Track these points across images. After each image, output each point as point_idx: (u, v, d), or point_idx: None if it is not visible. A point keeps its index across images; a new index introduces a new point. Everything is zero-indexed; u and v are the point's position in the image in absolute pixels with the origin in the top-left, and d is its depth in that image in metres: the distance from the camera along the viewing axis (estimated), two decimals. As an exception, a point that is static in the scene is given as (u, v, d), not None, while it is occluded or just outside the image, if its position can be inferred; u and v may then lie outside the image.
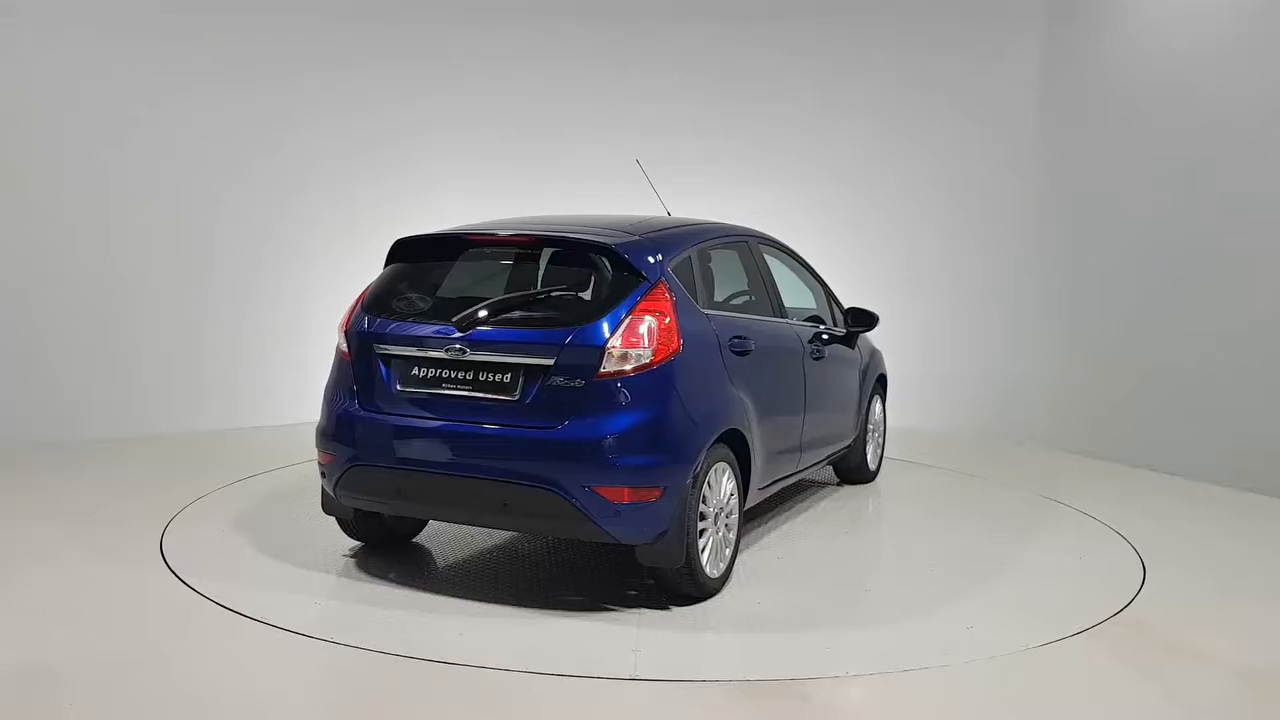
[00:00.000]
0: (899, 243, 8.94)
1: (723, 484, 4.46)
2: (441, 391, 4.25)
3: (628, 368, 4.07)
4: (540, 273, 4.52)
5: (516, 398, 4.12)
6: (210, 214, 7.89)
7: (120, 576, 4.56)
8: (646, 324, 4.13)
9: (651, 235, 4.56)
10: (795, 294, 6.00)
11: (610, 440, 4.02)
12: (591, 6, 8.71)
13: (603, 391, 4.04)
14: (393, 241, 4.72)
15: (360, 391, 4.42)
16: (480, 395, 4.19)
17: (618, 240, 4.37)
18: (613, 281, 4.25)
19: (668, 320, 4.18)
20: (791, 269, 5.96)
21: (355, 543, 5.04)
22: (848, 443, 6.29)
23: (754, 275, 5.34)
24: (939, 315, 8.80)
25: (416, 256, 4.71)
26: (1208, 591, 4.86)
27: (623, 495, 4.02)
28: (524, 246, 4.57)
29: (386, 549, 5.01)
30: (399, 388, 4.34)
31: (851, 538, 5.52)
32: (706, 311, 4.56)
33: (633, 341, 4.09)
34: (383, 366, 4.38)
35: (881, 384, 6.79)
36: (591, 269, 4.34)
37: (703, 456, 4.23)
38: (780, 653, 3.94)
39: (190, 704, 3.42)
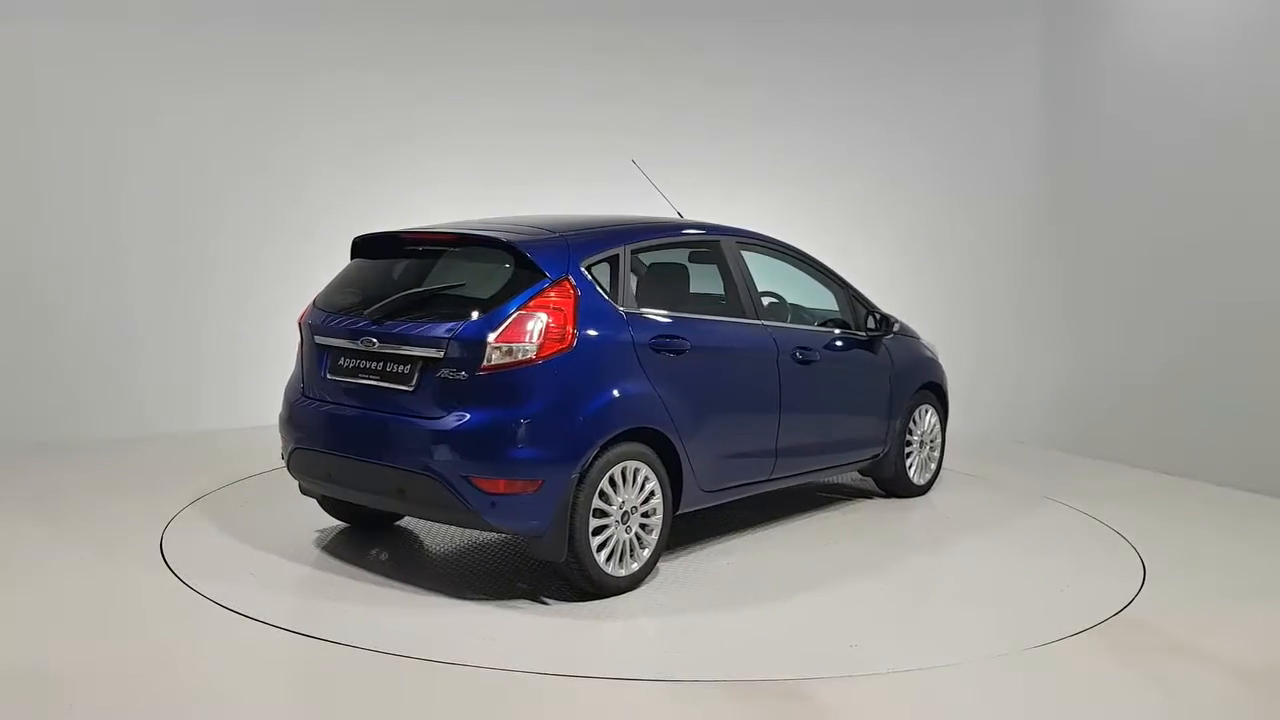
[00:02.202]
0: (898, 242, 8.93)
1: (637, 483, 4.46)
2: (358, 381, 4.49)
3: (510, 362, 4.16)
4: (459, 270, 4.67)
5: (411, 388, 4.30)
6: (210, 214, 7.88)
7: (120, 576, 4.56)
8: (534, 320, 4.21)
9: (573, 235, 4.61)
10: (808, 296, 5.91)
11: (487, 432, 4.14)
12: (591, 8, 8.70)
13: (485, 385, 4.15)
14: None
15: (305, 380, 4.77)
16: (384, 385, 4.39)
17: (523, 239, 4.47)
18: (513, 278, 4.36)
19: (560, 317, 4.25)
20: (805, 272, 5.82)
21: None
22: (874, 452, 6.02)
23: (727, 275, 5.24)
24: (939, 314, 8.78)
25: (365, 253, 4.96)
26: (1208, 591, 4.86)
27: (499, 487, 4.12)
28: (447, 244, 4.74)
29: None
30: (329, 376, 4.61)
31: (833, 547, 5.32)
32: (627, 310, 4.55)
33: (516, 337, 4.17)
34: (321, 356, 4.66)
35: (935, 393, 6.45)
36: (499, 265, 4.47)
37: (592, 453, 4.24)
38: (611, 649, 3.96)
39: (191, 704, 3.42)
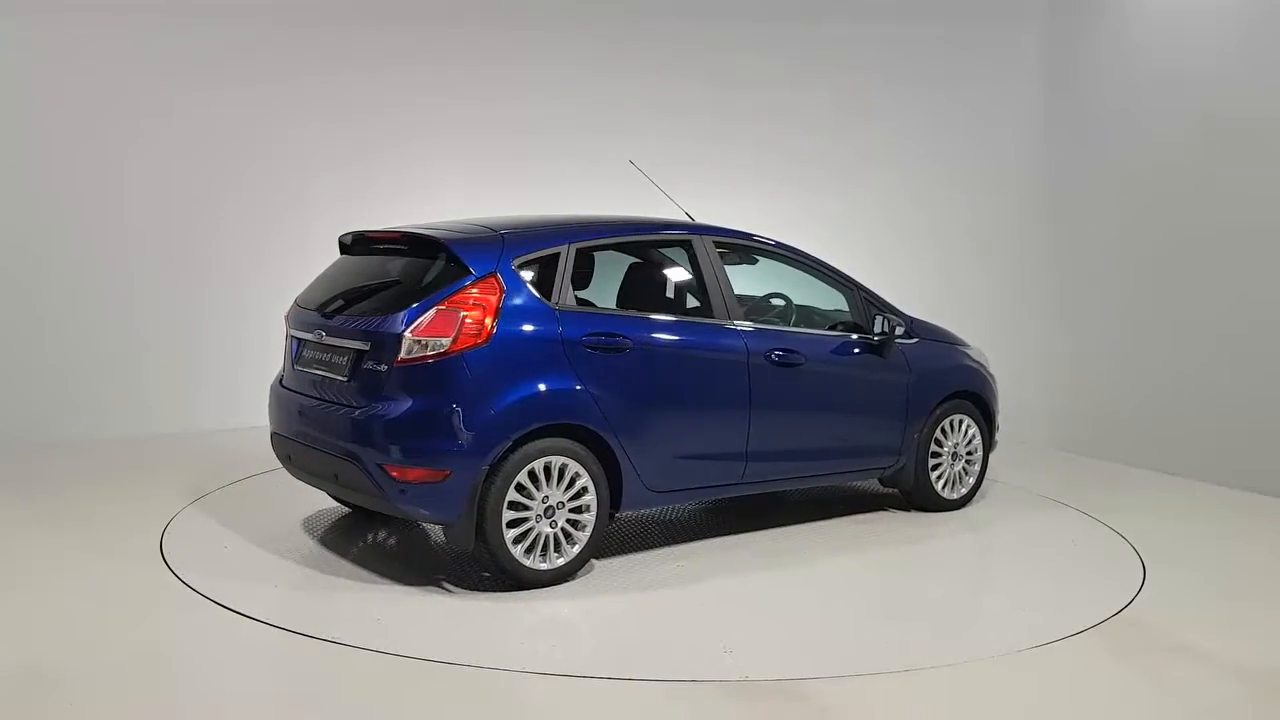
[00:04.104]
0: (898, 243, 8.92)
1: (565, 479, 4.49)
2: (312, 371, 4.78)
3: (425, 355, 4.32)
4: (404, 267, 4.83)
5: (346, 378, 4.55)
6: (210, 214, 7.88)
7: (120, 576, 4.56)
8: (450, 316, 4.34)
9: (511, 233, 4.69)
10: (824, 299, 5.80)
11: (398, 421, 4.30)
12: (593, 8, 8.69)
13: (400, 376, 4.34)
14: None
15: (284, 370, 5.12)
16: (329, 376, 4.66)
17: (455, 237, 4.62)
18: (442, 274, 4.52)
19: (479, 313, 4.37)
20: (805, 272, 5.65)
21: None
22: (888, 462, 5.71)
23: (698, 274, 5.15)
24: (939, 315, 8.76)
25: (348, 251, 5.21)
26: (1208, 591, 4.85)
27: (407, 475, 4.29)
28: (396, 243, 4.91)
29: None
30: (296, 367, 4.92)
31: (810, 556, 5.09)
32: (561, 308, 4.60)
33: (432, 331, 4.32)
34: (293, 348, 4.99)
35: (974, 401, 6.06)
36: (435, 263, 4.62)
37: (504, 447, 4.32)
38: (485, 643, 3.92)
39: (191, 704, 3.43)
